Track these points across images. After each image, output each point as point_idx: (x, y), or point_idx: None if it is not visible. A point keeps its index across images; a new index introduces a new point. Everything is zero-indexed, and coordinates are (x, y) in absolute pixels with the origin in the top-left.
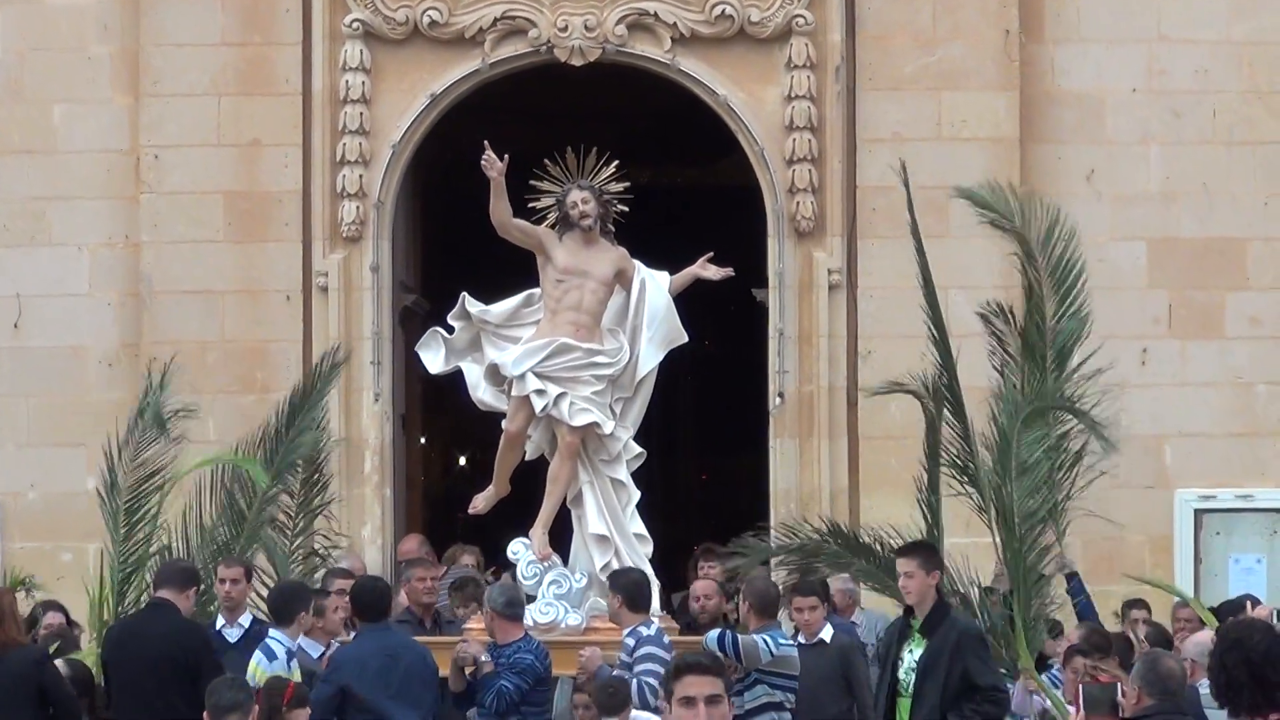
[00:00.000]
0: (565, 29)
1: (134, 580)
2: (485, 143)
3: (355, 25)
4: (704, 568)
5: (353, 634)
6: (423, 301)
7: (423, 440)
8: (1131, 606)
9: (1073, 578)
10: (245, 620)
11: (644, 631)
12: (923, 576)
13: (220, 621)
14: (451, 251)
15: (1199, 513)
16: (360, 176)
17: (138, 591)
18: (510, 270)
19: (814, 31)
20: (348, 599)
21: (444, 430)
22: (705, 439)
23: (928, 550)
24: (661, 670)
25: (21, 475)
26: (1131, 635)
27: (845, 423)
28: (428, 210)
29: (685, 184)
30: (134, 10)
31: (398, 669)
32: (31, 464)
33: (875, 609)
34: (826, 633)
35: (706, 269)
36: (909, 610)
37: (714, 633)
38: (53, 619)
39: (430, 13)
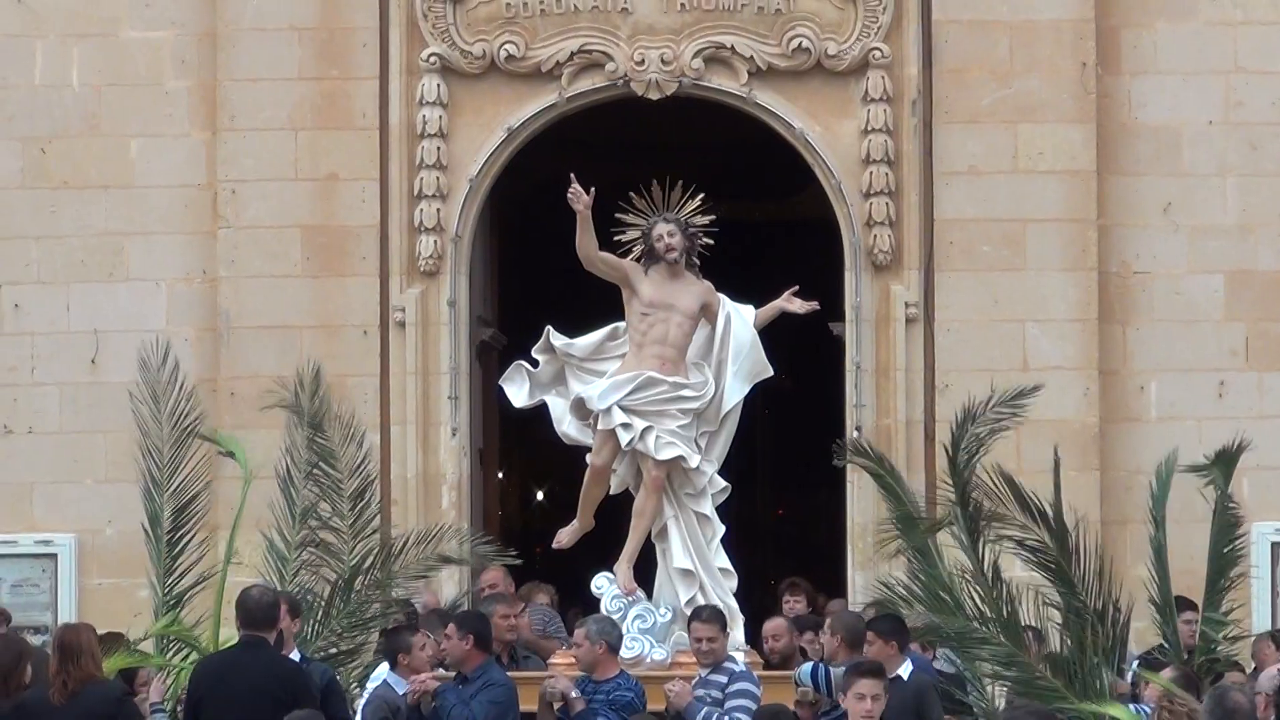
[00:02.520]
0: (642, 63)
1: (181, 609)
2: (572, 175)
3: (432, 59)
4: (789, 601)
5: (444, 668)
6: (500, 336)
7: (500, 475)
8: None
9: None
10: (294, 655)
11: (735, 668)
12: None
13: None
14: (529, 285)
15: (1276, 545)
16: (438, 211)
17: (182, 623)
18: (588, 304)
19: (890, 65)
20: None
21: (522, 465)
22: (782, 473)
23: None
24: (753, 707)
25: (99, 511)
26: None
27: (923, 457)
28: (505, 244)
29: (762, 217)
30: (211, 45)
31: None
32: (109, 500)
33: None
34: (905, 669)
35: (792, 303)
36: None
37: (807, 666)
38: (145, 675)
39: (507, 47)
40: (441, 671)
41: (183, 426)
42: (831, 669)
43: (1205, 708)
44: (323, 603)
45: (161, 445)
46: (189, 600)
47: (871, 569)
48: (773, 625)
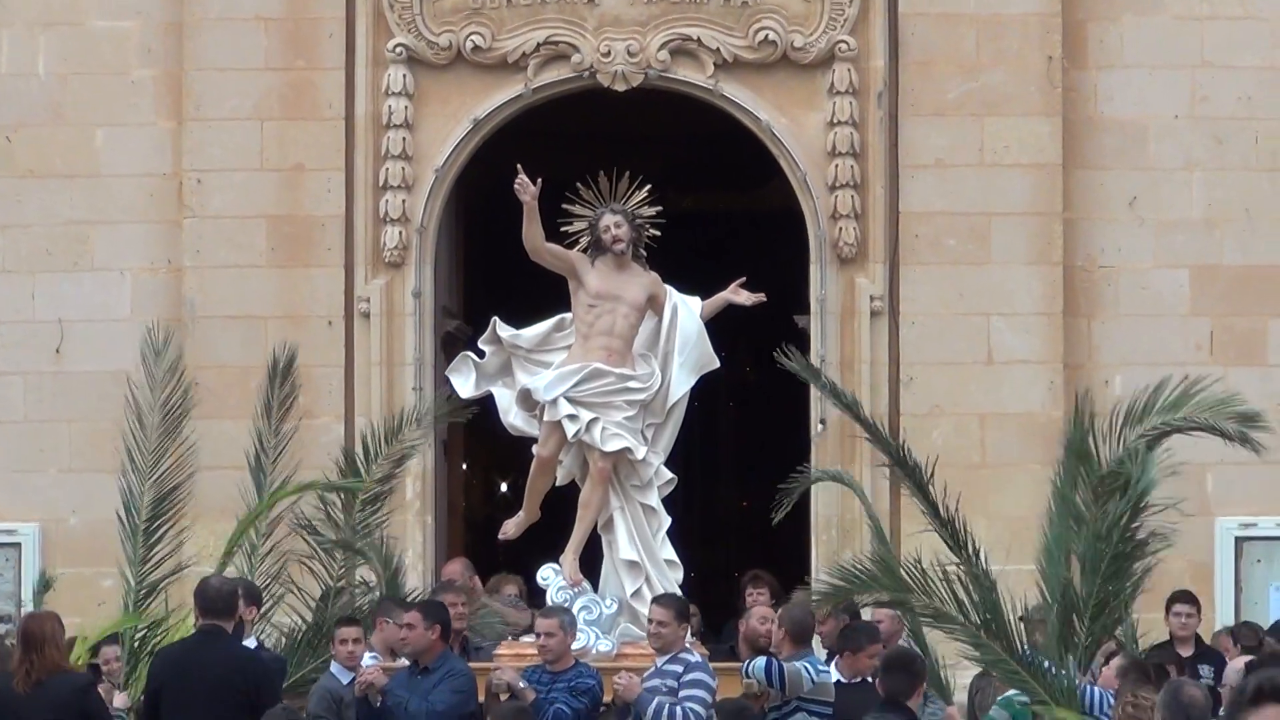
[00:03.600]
0: (608, 54)
1: (152, 600)
2: (519, 166)
3: (398, 50)
4: (752, 594)
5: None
6: (465, 327)
7: (464, 466)
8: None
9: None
10: (250, 642)
11: (691, 658)
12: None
13: None
14: (494, 277)
15: (1240, 540)
16: (403, 201)
17: (156, 613)
18: (552, 295)
19: (857, 57)
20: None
21: (486, 456)
22: (746, 466)
23: None
24: (708, 699)
25: (63, 500)
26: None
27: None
28: (470, 235)
29: (728, 209)
30: (177, 34)
31: None
32: (73, 489)
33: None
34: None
35: (739, 294)
36: None
37: (760, 661)
38: (108, 653)
39: (473, 38)
40: (389, 664)
41: (174, 416)
42: (785, 665)
43: (1160, 701)
44: (314, 602)
45: (150, 433)
46: (162, 590)
47: (833, 559)
48: (764, 610)
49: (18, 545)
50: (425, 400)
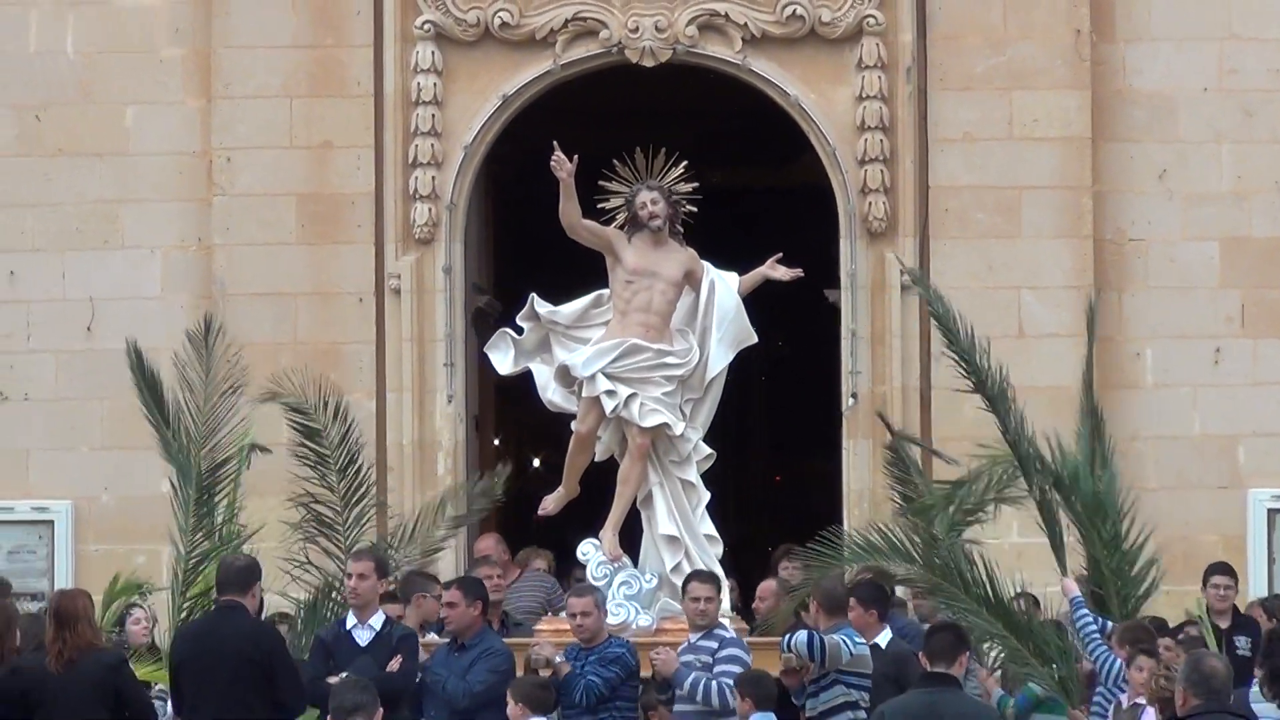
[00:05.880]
0: (636, 30)
1: (202, 571)
2: (555, 143)
3: (426, 27)
4: (786, 568)
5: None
6: (495, 303)
7: (496, 442)
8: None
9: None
10: (377, 621)
11: (725, 634)
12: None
13: (351, 621)
14: (524, 253)
15: (1272, 512)
16: (432, 178)
17: (206, 583)
18: (582, 271)
19: (885, 32)
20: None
21: (518, 431)
22: (779, 440)
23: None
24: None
25: (95, 478)
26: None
27: (919, 424)
28: (500, 212)
29: (757, 185)
30: (205, 12)
31: None
32: (105, 467)
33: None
34: (884, 637)
35: (776, 269)
36: None
37: (802, 635)
38: (139, 614)
39: (501, 14)
40: (433, 637)
41: (228, 386)
42: (825, 638)
43: (1181, 674)
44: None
45: (202, 404)
46: (211, 560)
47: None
48: (765, 586)
49: (50, 523)
50: (457, 374)
